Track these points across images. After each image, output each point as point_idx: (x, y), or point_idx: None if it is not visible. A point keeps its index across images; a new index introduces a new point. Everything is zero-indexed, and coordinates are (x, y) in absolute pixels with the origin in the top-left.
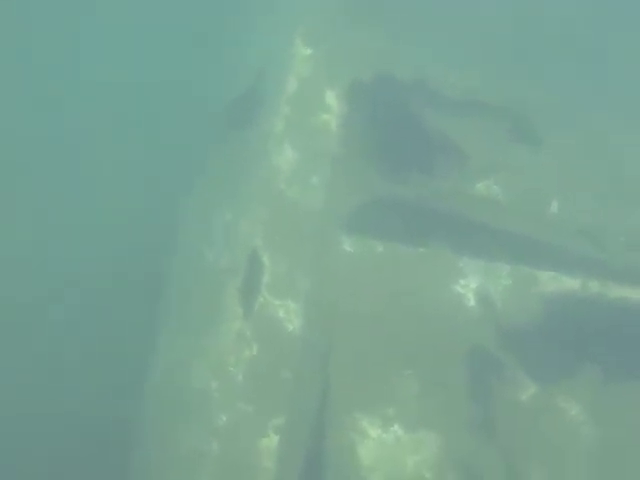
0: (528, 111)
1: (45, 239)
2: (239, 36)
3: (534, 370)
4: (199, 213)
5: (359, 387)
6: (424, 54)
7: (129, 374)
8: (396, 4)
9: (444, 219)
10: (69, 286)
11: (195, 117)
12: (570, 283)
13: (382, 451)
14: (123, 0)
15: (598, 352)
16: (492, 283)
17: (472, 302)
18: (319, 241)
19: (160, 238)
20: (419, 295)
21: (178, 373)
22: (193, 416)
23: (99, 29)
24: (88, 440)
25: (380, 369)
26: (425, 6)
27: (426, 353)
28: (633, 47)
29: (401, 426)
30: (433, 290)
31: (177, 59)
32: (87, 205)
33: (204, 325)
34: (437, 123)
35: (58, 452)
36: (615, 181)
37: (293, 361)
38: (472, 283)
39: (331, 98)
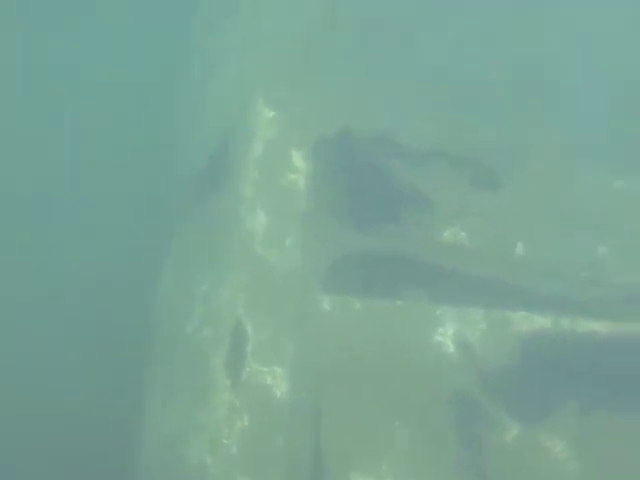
0: (487, 157)
1: (21, 322)
2: (199, 99)
3: (516, 411)
4: (174, 285)
5: (351, 446)
6: (384, 105)
7: (119, 454)
8: (354, 55)
9: (416, 268)
10: (50, 372)
11: (160, 186)
12: (542, 322)
13: None
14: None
15: (576, 387)
16: (469, 328)
17: (451, 349)
18: (299, 303)
19: (137, 313)
20: (401, 347)
21: (172, 450)
22: None
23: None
24: None
25: (369, 424)
26: (382, 56)
27: (413, 403)
28: (581, 90)
29: None
30: (414, 341)
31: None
32: (59, 279)
33: (194, 399)
34: (402, 174)
35: None
36: (574, 217)
37: (284, 427)
38: (450, 330)
39: (297, 158)
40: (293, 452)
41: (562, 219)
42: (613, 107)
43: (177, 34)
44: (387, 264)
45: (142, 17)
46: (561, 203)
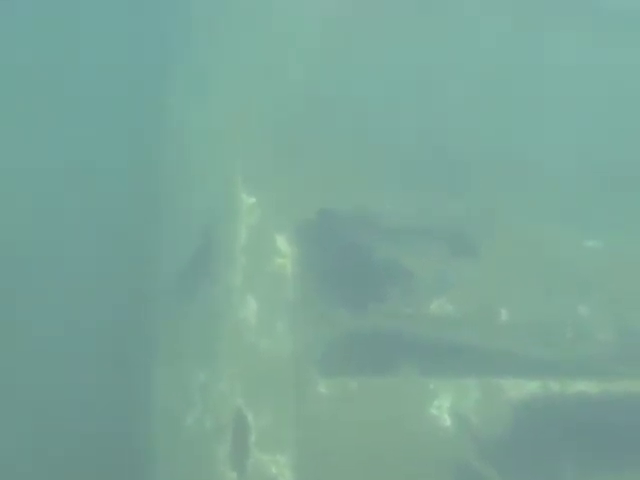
0: (459, 226)
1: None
2: (178, 186)
3: (514, 478)
4: (170, 378)
5: None
6: (361, 182)
7: None
8: (325, 136)
9: (407, 343)
10: (48, 464)
11: (146, 279)
12: (532, 386)
13: None
14: None
15: (571, 448)
16: (463, 399)
17: (448, 422)
18: (296, 388)
19: (134, 406)
20: (399, 424)
21: None
22: None
23: None
24: None
25: None
26: (352, 135)
27: (415, 478)
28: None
29: None
30: (411, 417)
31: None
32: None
33: None
34: (384, 250)
35: None
36: (551, 279)
37: None
38: (445, 403)
39: (282, 242)
40: None
41: (540, 282)
42: (579, 170)
43: (151, 113)
44: (378, 342)
45: (116, 98)
46: (537, 266)
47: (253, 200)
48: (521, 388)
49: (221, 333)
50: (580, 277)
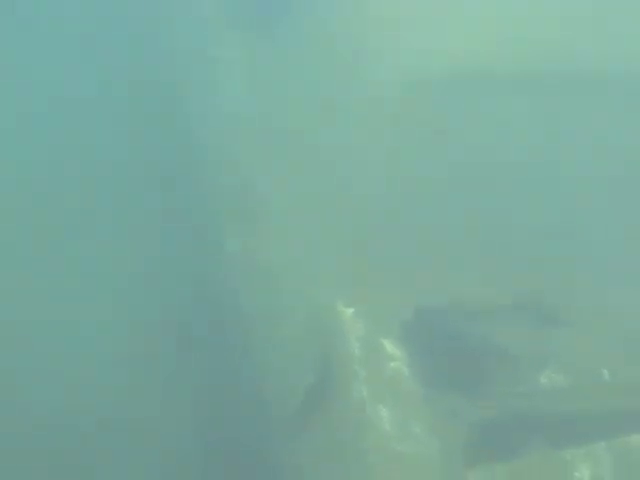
0: (546, 297)
1: None
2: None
3: None
4: None
5: None
6: (443, 271)
7: None
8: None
9: (531, 420)
10: None
11: (276, 404)
12: None
13: None
14: None
15: None
16: (599, 465)
17: None
18: None
19: None
20: None
21: None
22: None
23: None
24: None
25: None
26: (429, 228)
27: None
28: None
29: None
30: None
31: None
32: None
33: None
34: (481, 333)
35: None
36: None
37: None
38: (585, 472)
39: (390, 346)
40: None
41: (629, 339)
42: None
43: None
44: (505, 424)
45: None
46: (620, 326)
47: (352, 310)
48: None
49: (363, 446)
50: None
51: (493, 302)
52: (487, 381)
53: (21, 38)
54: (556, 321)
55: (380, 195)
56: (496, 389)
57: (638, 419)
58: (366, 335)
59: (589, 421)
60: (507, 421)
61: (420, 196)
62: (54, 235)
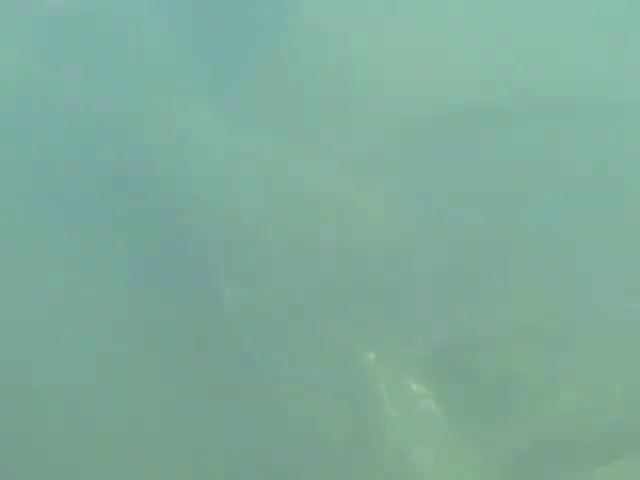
0: (546, 325)
1: None
2: None
3: None
4: None
5: None
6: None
7: None
8: None
9: (561, 442)
10: None
11: None
12: None
13: None
14: None
15: None
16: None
17: None
18: None
19: None
20: None
21: None
22: None
23: None
24: None
25: None
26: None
27: None
28: None
29: None
30: None
31: None
32: None
33: None
34: (491, 365)
35: None
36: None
37: None
38: None
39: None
40: None
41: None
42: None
43: None
44: (538, 448)
45: None
46: (622, 345)
47: (373, 355)
48: None
49: None
50: None
51: (503, 333)
52: (511, 409)
53: None
54: (559, 348)
55: (378, 242)
56: (521, 416)
57: None
58: (390, 377)
59: (618, 438)
60: (537, 445)
61: (417, 244)
62: None
